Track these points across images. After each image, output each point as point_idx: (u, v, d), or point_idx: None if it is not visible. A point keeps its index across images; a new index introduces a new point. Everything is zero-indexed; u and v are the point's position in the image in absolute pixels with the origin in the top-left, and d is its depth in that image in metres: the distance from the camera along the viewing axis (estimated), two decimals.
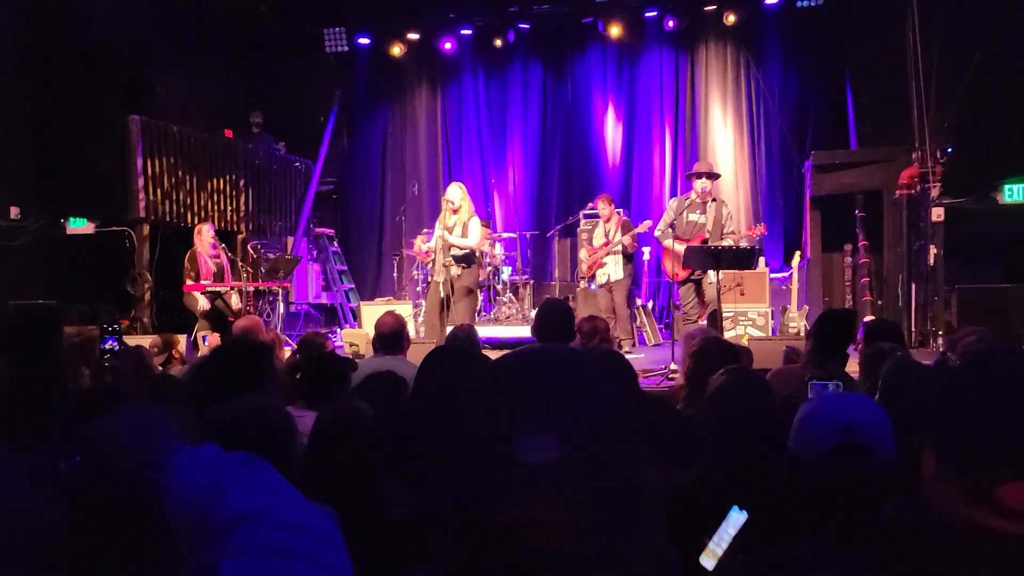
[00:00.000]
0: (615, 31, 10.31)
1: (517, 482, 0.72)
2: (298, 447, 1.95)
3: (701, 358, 2.91)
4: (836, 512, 1.48)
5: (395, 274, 10.47)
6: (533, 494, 0.71)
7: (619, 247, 8.31)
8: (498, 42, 10.69)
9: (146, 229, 8.67)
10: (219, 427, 1.71)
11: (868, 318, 7.38)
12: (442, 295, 7.52)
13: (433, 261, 7.72)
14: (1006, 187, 8.24)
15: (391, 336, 4.41)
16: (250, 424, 1.70)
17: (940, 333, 7.97)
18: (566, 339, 3.66)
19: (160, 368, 5.01)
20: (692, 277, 7.45)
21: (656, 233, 7.80)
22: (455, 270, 7.57)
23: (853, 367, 3.83)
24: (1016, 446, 0.94)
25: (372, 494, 2.01)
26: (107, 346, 4.36)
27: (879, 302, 8.98)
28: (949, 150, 8.28)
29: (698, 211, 7.49)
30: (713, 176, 7.59)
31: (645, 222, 8.31)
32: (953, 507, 0.98)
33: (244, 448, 0.92)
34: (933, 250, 8.33)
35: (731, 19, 10.06)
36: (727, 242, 7.22)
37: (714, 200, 7.54)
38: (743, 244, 7.07)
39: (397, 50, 10.89)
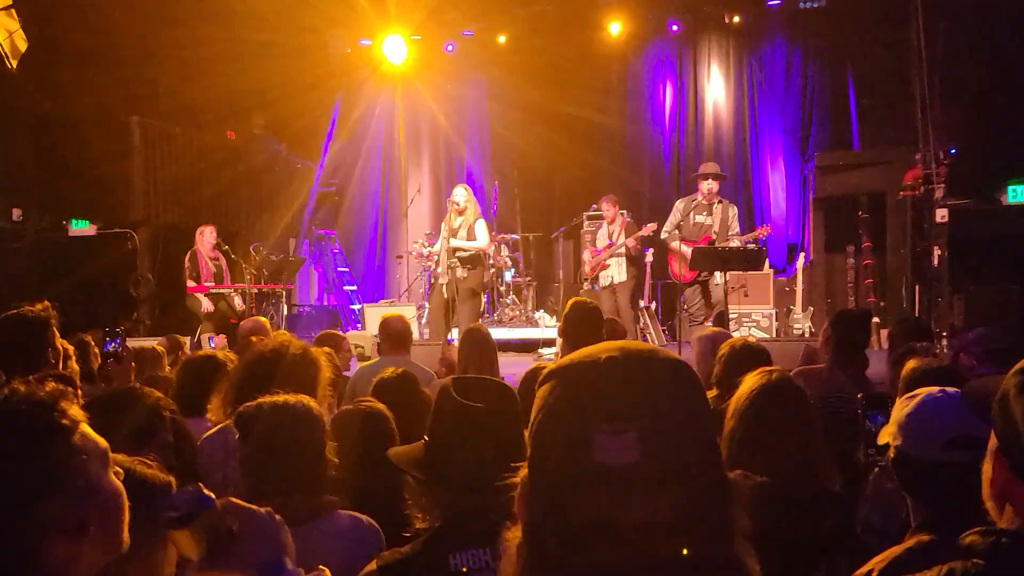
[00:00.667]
0: (617, 32, 10.30)
1: (594, 482, 0.70)
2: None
3: (731, 362, 2.90)
4: (952, 505, 1.49)
5: (398, 276, 10.44)
6: (611, 495, 0.69)
7: (622, 249, 8.29)
8: (500, 39, 10.67)
9: (148, 231, 8.64)
10: None
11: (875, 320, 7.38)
12: (446, 297, 7.51)
13: (437, 263, 7.70)
14: (1010, 188, 8.24)
15: (402, 334, 4.40)
16: None
17: (944, 335, 7.96)
18: (595, 341, 3.65)
19: (169, 368, 4.99)
20: (699, 279, 7.44)
21: (663, 235, 7.78)
22: (460, 272, 7.56)
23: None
24: None
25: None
26: (109, 349, 4.33)
27: (882, 304, 8.97)
28: (953, 151, 8.28)
29: (704, 212, 7.48)
30: (719, 177, 7.58)
31: (649, 226, 8.29)
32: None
33: None
34: (937, 251, 8.32)
35: (735, 20, 10.06)
36: (735, 243, 7.21)
37: (720, 201, 7.52)
38: (750, 245, 7.06)
39: (397, 53, 10.86)
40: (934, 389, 1.73)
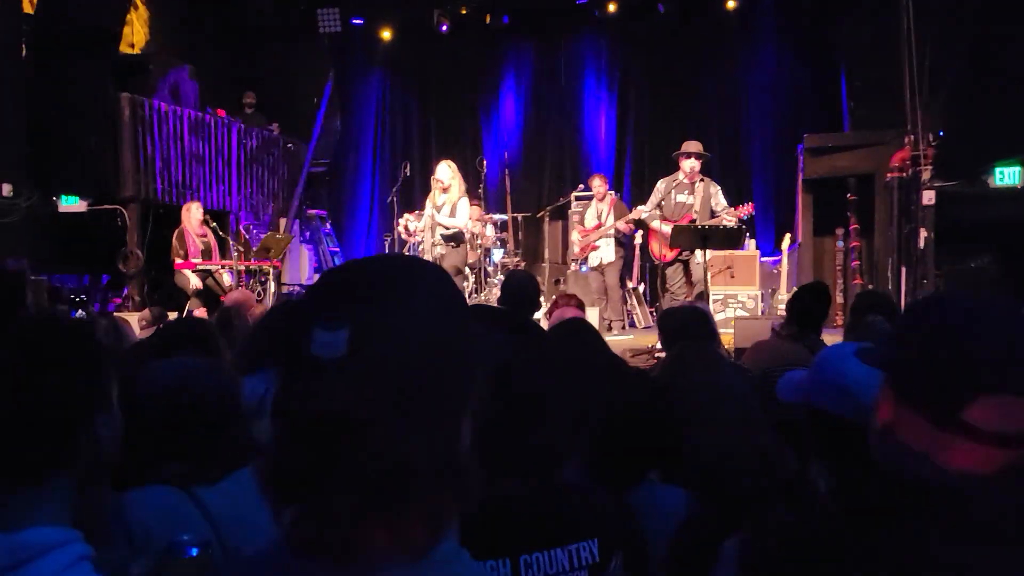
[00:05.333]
0: (609, 11, 10.29)
1: (311, 377, 0.72)
2: None
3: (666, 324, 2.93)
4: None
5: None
6: (321, 386, 0.72)
7: (612, 231, 8.31)
8: (492, 21, 10.66)
9: (138, 208, 8.69)
10: None
11: None
12: None
13: (421, 241, 7.73)
14: (997, 171, 8.22)
15: None
16: None
17: None
18: (532, 310, 3.69)
19: None
20: (679, 258, 7.45)
21: (643, 215, 7.78)
22: (442, 250, 7.60)
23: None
24: (972, 365, 0.95)
25: None
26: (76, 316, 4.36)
27: (869, 285, 8.98)
28: (941, 133, 8.26)
29: (686, 192, 7.48)
30: (701, 156, 7.56)
31: (639, 208, 8.29)
32: (922, 443, 0.97)
33: None
34: (924, 233, 8.32)
35: (731, 4, 10.03)
36: (726, 219, 7.20)
37: (702, 180, 7.51)
38: (730, 224, 7.06)
39: (387, 34, 10.87)
40: None
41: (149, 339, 2.81)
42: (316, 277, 9.94)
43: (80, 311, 4.12)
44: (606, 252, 8.34)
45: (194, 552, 1.21)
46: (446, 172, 7.51)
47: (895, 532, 0.90)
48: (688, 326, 2.69)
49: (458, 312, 0.80)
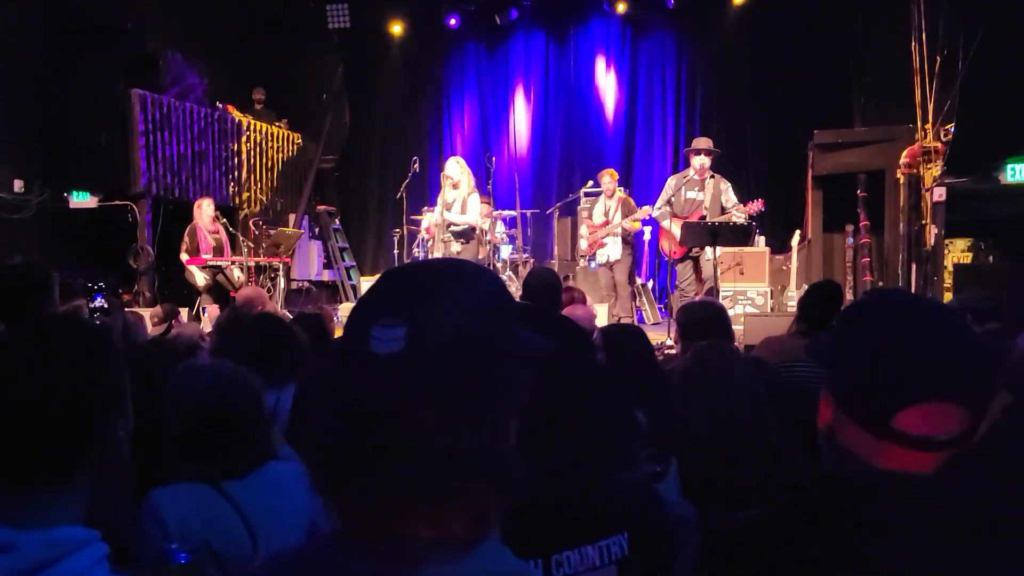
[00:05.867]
0: (619, 7, 10.27)
1: (365, 369, 0.76)
2: None
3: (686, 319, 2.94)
4: None
5: (396, 250, 10.49)
6: (376, 379, 0.75)
7: (619, 229, 8.31)
8: (502, 16, 10.66)
9: (148, 204, 8.73)
10: None
11: None
12: None
13: (432, 237, 7.75)
14: (1008, 167, 8.18)
15: None
16: None
17: None
18: (556, 308, 3.70)
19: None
20: (690, 255, 7.44)
21: (654, 212, 7.77)
22: (455, 247, 7.61)
23: None
24: (899, 378, 0.99)
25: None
26: (97, 303, 4.39)
27: (879, 283, 8.95)
28: (952, 130, 8.22)
29: (696, 188, 7.47)
30: (712, 153, 7.55)
31: (645, 208, 8.27)
32: (859, 447, 1.01)
33: None
34: (934, 230, 8.29)
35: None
36: (736, 215, 7.19)
37: (712, 177, 7.50)
38: (740, 220, 7.04)
39: (398, 28, 10.88)
40: None
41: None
42: (325, 272, 9.95)
43: (96, 305, 4.14)
44: (613, 250, 8.33)
45: (184, 559, 1.23)
46: (455, 168, 7.51)
47: (828, 531, 0.91)
48: (707, 322, 2.70)
49: (508, 313, 0.84)
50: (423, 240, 8.87)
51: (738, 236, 6.80)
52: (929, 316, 1.04)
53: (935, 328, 1.02)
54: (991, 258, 8.77)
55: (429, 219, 8.42)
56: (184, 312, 7.14)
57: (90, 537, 1.09)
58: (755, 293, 8.51)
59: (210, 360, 2.02)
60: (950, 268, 8.31)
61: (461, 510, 0.77)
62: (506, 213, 9.68)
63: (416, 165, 10.34)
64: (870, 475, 0.98)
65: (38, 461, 1.10)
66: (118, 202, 8.65)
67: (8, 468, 1.10)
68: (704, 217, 7.24)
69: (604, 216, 8.48)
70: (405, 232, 9.95)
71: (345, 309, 8.40)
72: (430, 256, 8.74)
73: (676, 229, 7.26)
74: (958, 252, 9.05)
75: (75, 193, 8.60)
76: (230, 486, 1.74)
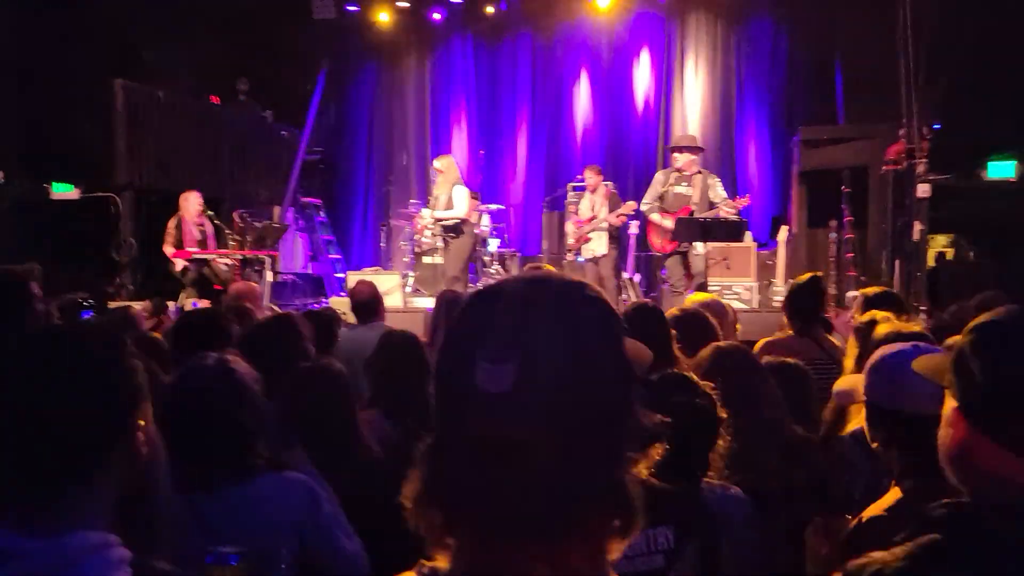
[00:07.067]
0: (605, 2, 10.26)
1: (474, 405, 0.73)
2: None
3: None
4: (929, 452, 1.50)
5: (382, 244, 10.45)
6: (489, 418, 0.72)
7: (604, 224, 8.32)
8: (489, 9, 10.61)
9: (131, 195, 8.61)
10: None
11: (852, 293, 7.44)
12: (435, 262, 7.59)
13: (421, 232, 7.76)
14: (991, 164, 8.30)
15: (366, 304, 4.40)
16: None
17: (923, 309, 8.04)
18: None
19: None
20: (679, 249, 7.48)
21: (643, 207, 7.80)
22: (441, 242, 7.63)
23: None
24: None
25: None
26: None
27: (862, 278, 9.04)
28: (936, 127, 8.31)
29: (684, 184, 7.50)
30: (696, 150, 7.59)
31: (630, 203, 8.29)
32: (1001, 469, 0.99)
33: None
34: (918, 226, 8.38)
35: None
36: (724, 210, 7.23)
37: (699, 172, 7.54)
38: (730, 216, 7.08)
39: (384, 17, 10.79)
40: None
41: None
42: (311, 265, 9.84)
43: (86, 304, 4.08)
44: (598, 245, 8.35)
45: (235, 561, 1.25)
46: (443, 163, 7.53)
47: (982, 560, 0.91)
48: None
49: (616, 334, 0.79)
50: (410, 234, 8.84)
51: (731, 232, 6.84)
52: None
53: None
54: (971, 254, 8.90)
55: (423, 220, 8.44)
56: (171, 306, 7.05)
57: (107, 542, 1.08)
58: (741, 288, 8.55)
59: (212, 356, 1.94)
60: (931, 263, 8.41)
61: (581, 546, 0.74)
62: (493, 207, 9.66)
63: (404, 159, 10.30)
64: (1014, 496, 0.97)
65: (58, 462, 1.10)
66: (100, 193, 8.53)
67: (29, 470, 1.10)
68: (693, 212, 7.28)
69: (591, 211, 8.49)
70: (392, 225, 9.92)
71: (333, 302, 8.34)
72: (418, 250, 8.72)
73: (668, 224, 7.28)
74: (939, 248, 9.16)
75: (56, 185, 8.48)
76: (199, 499, 1.68)
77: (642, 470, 0.79)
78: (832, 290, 8.90)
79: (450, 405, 0.76)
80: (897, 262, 8.50)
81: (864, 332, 2.84)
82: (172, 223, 7.85)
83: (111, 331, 1.24)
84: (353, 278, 9.26)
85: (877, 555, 0.99)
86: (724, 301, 4.23)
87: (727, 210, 7.20)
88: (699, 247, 6.93)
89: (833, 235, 9.15)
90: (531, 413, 0.71)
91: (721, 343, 2.26)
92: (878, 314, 2.98)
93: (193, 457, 1.70)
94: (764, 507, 1.83)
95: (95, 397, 1.13)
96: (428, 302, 7.38)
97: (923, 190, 8.34)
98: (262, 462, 1.84)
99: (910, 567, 0.94)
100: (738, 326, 4.11)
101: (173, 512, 1.55)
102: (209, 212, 8.14)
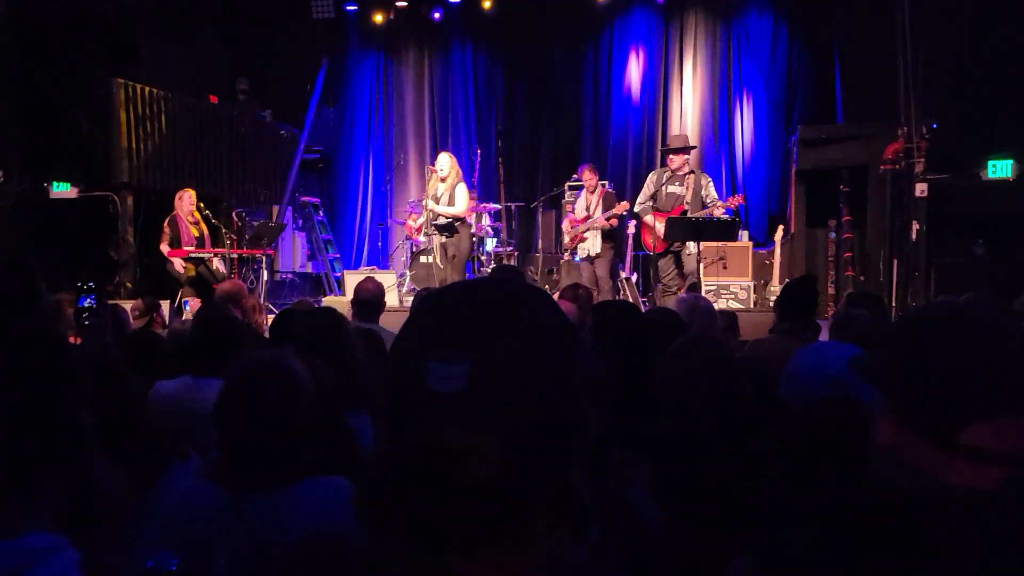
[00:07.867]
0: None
1: (427, 409, 0.69)
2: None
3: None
4: (822, 462, 1.44)
5: (380, 243, 10.47)
6: (439, 420, 0.69)
7: (597, 224, 8.32)
8: (487, 4, 10.61)
9: (130, 195, 8.65)
10: None
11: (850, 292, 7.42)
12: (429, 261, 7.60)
13: (419, 231, 7.77)
14: (990, 164, 8.26)
15: (370, 302, 4.43)
16: None
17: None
18: None
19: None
20: (671, 249, 7.47)
21: (636, 208, 7.80)
22: (438, 239, 7.63)
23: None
24: (969, 390, 0.98)
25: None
26: (85, 304, 4.35)
27: (861, 277, 9.02)
28: (935, 126, 8.28)
29: (677, 183, 7.50)
30: (686, 149, 7.59)
31: (622, 203, 8.27)
32: (925, 463, 1.00)
33: None
34: (916, 225, 8.35)
35: None
36: (717, 211, 7.23)
37: (692, 172, 7.54)
38: (722, 215, 7.08)
39: (380, 18, 10.81)
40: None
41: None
42: (308, 264, 9.87)
43: (85, 306, 4.09)
44: (593, 244, 8.35)
45: (174, 565, 1.24)
46: (445, 162, 7.56)
47: (907, 549, 0.91)
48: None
49: (568, 338, 0.76)
50: (411, 237, 8.87)
51: (722, 231, 6.83)
52: (998, 326, 1.02)
53: (1002, 336, 1.01)
54: (970, 254, 8.84)
55: (411, 222, 8.44)
56: (165, 305, 7.08)
57: (59, 544, 1.07)
58: (737, 287, 8.54)
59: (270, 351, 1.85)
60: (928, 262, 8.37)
61: (530, 557, 0.71)
62: (491, 206, 9.67)
63: (402, 159, 10.31)
64: (937, 492, 0.97)
65: (2, 466, 1.09)
66: (99, 192, 8.56)
67: None
68: (685, 212, 7.28)
69: (586, 210, 8.50)
70: (390, 225, 9.94)
71: (329, 302, 8.36)
72: (416, 249, 8.73)
73: (659, 224, 7.28)
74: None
75: (55, 183, 8.52)
76: (250, 501, 1.63)
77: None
78: (831, 290, 8.89)
79: (398, 409, 0.73)
80: (895, 261, 8.48)
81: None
82: (166, 221, 7.88)
83: (40, 328, 1.22)
84: (349, 277, 9.30)
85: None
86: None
87: (719, 210, 7.20)
88: (691, 247, 6.92)
89: (832, 234, 9.13)
90: (483, 415, 0.69)
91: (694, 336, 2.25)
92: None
93: (242, 456, 1.66)
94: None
95: (29, 398, 1.12)
96: None
97: (921, 189, 8.33)
98: (307, 464, 1.77)
99: (832, 556, 0.94)
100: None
101: (119, 508, 1.55)
102: (207, 211, 8.16)
